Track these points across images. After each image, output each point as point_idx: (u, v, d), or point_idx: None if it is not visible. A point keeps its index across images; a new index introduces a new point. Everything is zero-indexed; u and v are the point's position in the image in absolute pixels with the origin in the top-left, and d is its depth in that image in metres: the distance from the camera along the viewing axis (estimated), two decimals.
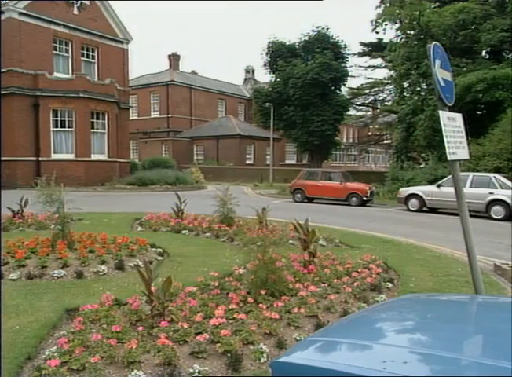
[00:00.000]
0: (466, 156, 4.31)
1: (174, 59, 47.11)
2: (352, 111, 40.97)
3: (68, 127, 23.14)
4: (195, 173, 29.36)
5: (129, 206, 14.88)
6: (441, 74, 3.92)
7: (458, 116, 4.24)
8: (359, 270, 6.07)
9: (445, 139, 3.76)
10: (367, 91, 38.37)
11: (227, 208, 9.81)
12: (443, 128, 3.77)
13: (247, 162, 40.57)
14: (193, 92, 44.44)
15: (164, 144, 41.08)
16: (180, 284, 5.07)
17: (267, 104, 32.01)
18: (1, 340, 3.56)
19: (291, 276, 5.53)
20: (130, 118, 32.37)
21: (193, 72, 50.63)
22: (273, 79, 34.99)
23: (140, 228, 9.91)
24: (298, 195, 20.08)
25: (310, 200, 19.91)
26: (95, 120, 24.07)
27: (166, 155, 37.85)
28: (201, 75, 50.54)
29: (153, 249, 7.46)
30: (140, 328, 3.98)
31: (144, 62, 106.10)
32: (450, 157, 3.83)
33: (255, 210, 9.44)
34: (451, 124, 4.00)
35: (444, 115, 3.85)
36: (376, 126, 46.98)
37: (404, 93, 24.59)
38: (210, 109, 45.80)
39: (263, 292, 4.84)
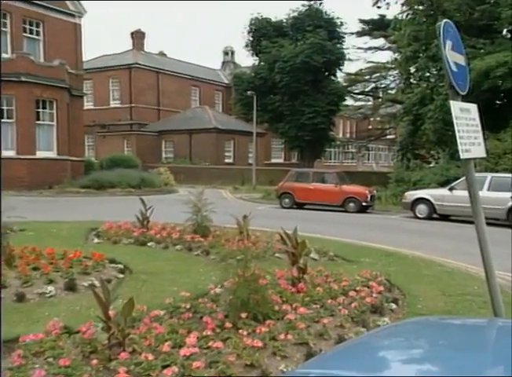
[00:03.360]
0: (483, 154, 4.37)
1: (138, 37, 46.84)
2: (349, 101, 41.40)
3: (7, 118, 22.76)
4: (163, 174, 29.18)
5: (83, 214, 14.71)
6: (453, 57, 3.96)
7: (473, 107, 4.29)
8: (357, 289, 6.09)
9: (457, 134, 3.80)
10: (367, 77, 38.78)
11: (201, 216, 9.81)
12: (455, 121, 3.81)
13: (226, 160, 40.52)
14: (161, 77, 44.22)
15: (126, 140, 40.77)
16: (144, 307, 5.04)
17: (249, 92, 32.05)
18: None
19: (277, 295, 5.53)
20: (85, 107, 32.00)
21: (161, 53, 50.39)
22: (256, 63, 35.07)
23: (96, 240, 9.84)
24: (286, 200, 20.13)
25: (300, 206, 19.96)
26: (41, 110, 23.77)
27: (129, 153, 37.52)
28: (171, 57, 50.30)
29: (112, 265, 7.42)
30: (95, 361, 3.93)
31: (102, 40, 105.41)
32: (463, 155, 3.88)
33: (235, 218, 9.43)
34: (465, 116, 4.04)
35: (456, 106, 3.89)
36: (378, 119, 47.42)
37: (411, 80, 24.86)
38: (181, 98, 45.65)
39: (244, 315, 4.83)
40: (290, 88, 31.97)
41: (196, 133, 39.70)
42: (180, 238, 9.59)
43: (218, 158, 39.38)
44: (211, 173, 34.61)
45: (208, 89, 49.25)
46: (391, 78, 37.63)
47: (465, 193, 4.11)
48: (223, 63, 57.04)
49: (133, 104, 42.65)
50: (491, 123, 16.64)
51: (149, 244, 9.43)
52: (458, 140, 3.79)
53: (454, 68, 3.92)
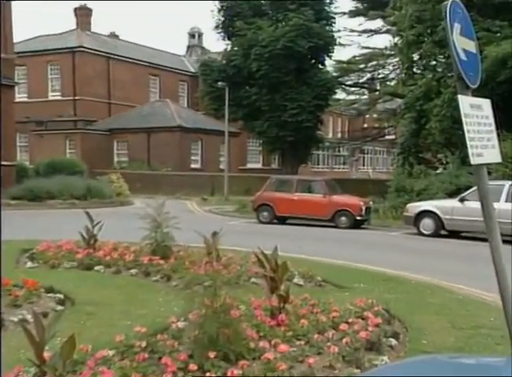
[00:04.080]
0: (497, 159, 4.42)
1: (83, 14, 46.59)
2: (340, 95, 41.71)
3: None
4: (115, 181, 28.93)
5: (13, 232, 14.43)
6: (462, 43, 4.01)
7: (486, 103, 4.35)
8: (349, 321, 6.11)
9: (467, 135, 3.84)
10: (361, 66, 39.13)
11: (162, 233, 9.80)
12: (464, 120, 3.85)
13: (192, 166, 40.46)
14: (112, 63, 44.03)
15: (69, 140, 40.41)
16: (88, 347, 4.98)
17: (220, 83, 32.10)
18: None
19: (253, 330, 5.52)
20: (16, 100, 31.65)
21: (112, 35, 50.23)
22: (229, 48, 35.13)
23: (30, 264, 9.76)
24: (265, 214, 20.18)
25: (281, 220, 20.02)
26: None
27: (72, 156, 37.19)
28: (124, 40, 50.19)
29: (49, 294, 7.34)
30: None
31: (38, 18, 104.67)
32: (474, 160, 3.91)
33: (202, 236, 9.40)
34: (476, 114, 4.09)
35: (465, 102, 3.94)
36: (374, 116, 47.89)
37: (414, 69, 25.15)
38: (137, 89, 45.49)
39: (212, 355, 4.80)
40: (269, 78, 32.06)
41: (156, 133, 39.52)
42: (135, 260, 9.56)
43: (183, 162, 39.27)
44: (174, 181, 34.41)
45: (170, 79, 49.18)
46: (390, 67, 38.08)
47: (479, 205, 4.15)
48: (188, 47, 57.09)
49: (77, 97, 42.31)
50: (508, 122, 16.90)
51: (97, 268, 9.39)
52: (468, 143, 3.83)
53: (463, 56, 3.97)
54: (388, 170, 55.58)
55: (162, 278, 8.75)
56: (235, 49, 33.84)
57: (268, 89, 32.57)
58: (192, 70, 50.00)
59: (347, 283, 8.83)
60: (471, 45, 4.22)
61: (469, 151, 3.85)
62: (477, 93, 4.24)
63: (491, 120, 4.35)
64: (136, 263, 9.43)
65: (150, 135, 39.77)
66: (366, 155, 65.09)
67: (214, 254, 9.15)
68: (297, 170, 35.04)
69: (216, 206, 26.67)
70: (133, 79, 45.23)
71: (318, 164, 56.19)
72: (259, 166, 47.52)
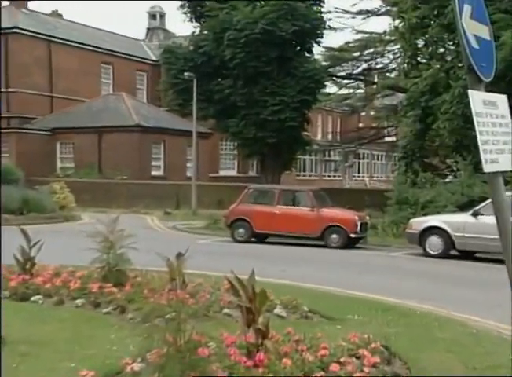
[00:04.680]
0: None
1: None
2: (331, 88, 41.91)
3: None
4: (58, 192, 28.75)
5: None
6: (472, 29, 4.05)
7: (502, 99, 4.39)
8: (341, 360, 6.09)
9: (479, 138, 3.87)
10: (356, 54, 39.39)
11: (115, 255, 9.75)
12: (475, 119, 3.89)
13: (153, 173, 40.33)
14: (55, 48, 43.71)
15: (1, 141, 40.01)
16: None
17: (186, 73, 32.06)
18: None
19: (225, 372, 5.50)
20: None
21: (55, 13, 49.95)
22: (197, 31, 35.14)
23: None
24: (241, 231, 20.18)
25: (261, 239, 20.06)
26: None
27: (5, 161, 36.81)
28: (69, 20, 49.93)
29: None
30: None
31: None
32: (487, 168, 3.95)
33: (165, 258, 9.35)
34: (490, 113, 4.13)
35: (476, 98, 3.98)
36: (372, 114, 48.17)
37: (418, 58, 25.34)
38: (85, 80, 45.26)
39: None
40: (245, 69, 32.08)
41: (109, 133, 39.34)
42: (82, 288, 9.47)
43: (142, 169, 39.10)
44: (131, 192, 34.27)
45: (126, 69, 49.00)
46: (390, 55, 38.43)
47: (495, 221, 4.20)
48: (148, 30, 57.06)
49: (11, 89, 41.93)
50: None
51: (34, 298, 9.28)
52: (481, 147, 3.87)
53: (474, 44, 4.00)
54: (388, 178, 55.92)
55: (114, 310, 8.67)
56: (205, 32, 33.88)
57: (245, 81, 32.58)
58: (153, 57, 49.93)
59: (339, 315, 8.82)
60: (484, 31, 4.25)
61: (482, 156, 3.88)
62: (491, 87, 4.28)
63: (508, 120, 4.39)
64: (83, 292, 9.34)
65: (101, 136, 39.57)
66: (361, 161, 65.38)
67: (179, 279, 9.08)
68: (279, 179, 35.07)
69: (182, 222, 26.59)
70: (81, 68, 44.94)
71: (304, 171, 56.38)
72: (234, 173, 47.54)
